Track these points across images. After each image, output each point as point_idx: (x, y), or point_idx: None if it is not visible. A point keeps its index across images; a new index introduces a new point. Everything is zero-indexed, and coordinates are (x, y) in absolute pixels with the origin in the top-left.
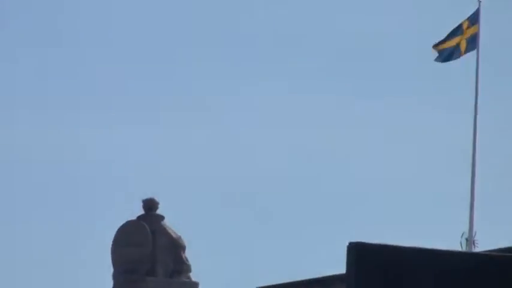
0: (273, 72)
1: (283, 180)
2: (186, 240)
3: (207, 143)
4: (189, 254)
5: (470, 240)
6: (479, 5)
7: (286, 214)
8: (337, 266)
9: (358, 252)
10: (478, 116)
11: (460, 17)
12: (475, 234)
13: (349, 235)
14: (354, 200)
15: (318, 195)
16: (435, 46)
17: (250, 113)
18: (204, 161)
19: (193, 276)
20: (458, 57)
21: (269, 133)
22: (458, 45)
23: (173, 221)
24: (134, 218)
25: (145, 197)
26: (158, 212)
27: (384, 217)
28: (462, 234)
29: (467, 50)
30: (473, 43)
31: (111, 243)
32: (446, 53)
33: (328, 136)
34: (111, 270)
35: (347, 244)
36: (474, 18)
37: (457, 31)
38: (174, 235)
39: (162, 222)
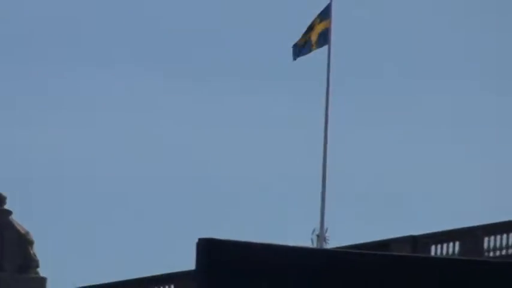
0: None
1: (132, 177)
2: (33, 236)
3: (53, 140)
4: (37, 250)
5: (321, 237)
6: (331, 0)
7: (136, 211)
8: (187, 262)
9: (207, 248)
10: (329, 110)
11: (312, 12)
12: (326, 231)
13: (199, 231)
14: (205, 197)
15: (169, 193)
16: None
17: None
18: (52, 157)
19: (41, 271)
20: (309, 52)
21: (102, 130)
22: (309, 40)
23: (21, 216)
24: None
25: None
26: (6, 207)
27: (237, 214)
28: (313, 231)
29: (318, 45)
30: (325, 38)
31: None
32: (298, 50)
33: (181, 131)
34: None
35: (196, 240)
36: (325, 13)
37: (310, 27)
38: (22, 230)
39: (10, 218)
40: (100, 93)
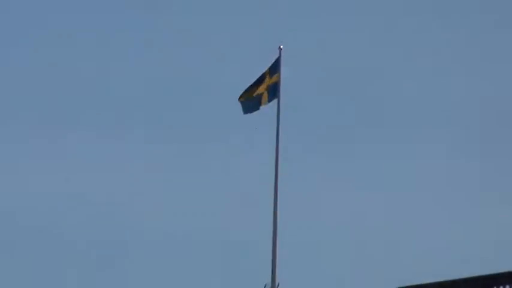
0: None
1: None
2: None
3: None
4: None
5: None
6: (280, 53)
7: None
8: None
9: None
10: (279, 163)
11: (263, 64)
12: (278, 286)
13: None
14: (157, 250)
15: (125, 247)
16: (240, 98)
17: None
18: None
19: None
20: (258, 108)
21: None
22: (260, 95)
23: None
24: None
25: None
26: None
27: (186, 269)
28: (265, 286)
29: (269, 99)
30: (274, 92)
31: None
32: (249, 104)
33: (130, 186)
34: None
35: None
36: (275, 67)
37: (259, 81)
38: None
39: None
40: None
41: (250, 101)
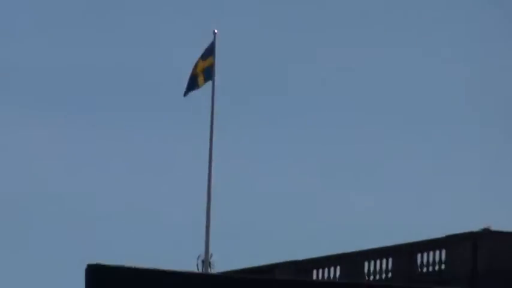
0: None
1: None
2: None
3: None
4: None
5: (206, 262)
6: (215, 37)
7: (18, 232)
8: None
9: (95, 273)
10: (213, 142)
11: (197, 49)
12: (211, 256)
13: (87, 257)
14: (91, 222)
15: (53, 215)
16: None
17: None
18: None
19: None
20: (195, 88)
21: None
22: (195, 76)
23: None
24: None
25: None
26: None
27: (121, 239)
28: (198, 257)
29: (204, 81)
30: (209, 74)
31: None
32: (187, 86)
33: (70, 164)
34: None
35: (85, 266)
36: (210, 50)
37: (196, 64)
38: None
39: None
40: None
41: (187, 83)
